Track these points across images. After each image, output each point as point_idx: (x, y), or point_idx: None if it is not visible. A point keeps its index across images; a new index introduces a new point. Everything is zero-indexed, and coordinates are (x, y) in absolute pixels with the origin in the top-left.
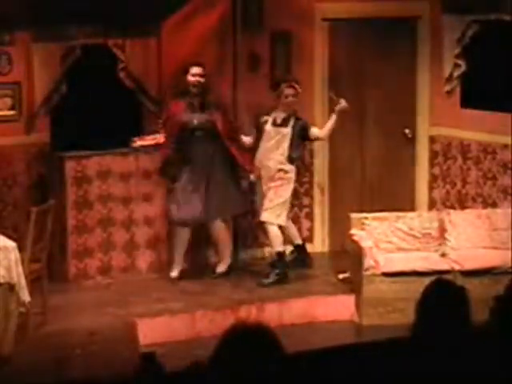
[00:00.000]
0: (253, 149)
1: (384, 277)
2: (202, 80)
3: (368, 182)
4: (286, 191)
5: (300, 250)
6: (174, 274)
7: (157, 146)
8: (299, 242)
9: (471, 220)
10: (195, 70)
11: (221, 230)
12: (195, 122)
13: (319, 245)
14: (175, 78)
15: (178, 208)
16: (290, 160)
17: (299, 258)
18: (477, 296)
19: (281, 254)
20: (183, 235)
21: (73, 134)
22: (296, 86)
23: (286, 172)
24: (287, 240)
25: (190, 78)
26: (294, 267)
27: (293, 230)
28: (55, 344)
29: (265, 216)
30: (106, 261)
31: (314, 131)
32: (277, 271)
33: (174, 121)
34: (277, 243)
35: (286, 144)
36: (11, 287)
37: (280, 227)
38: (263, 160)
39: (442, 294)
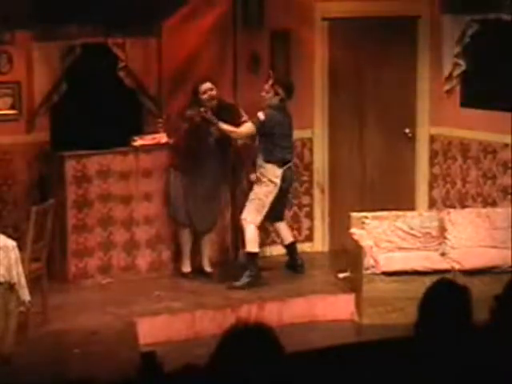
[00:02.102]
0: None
1: (384, 276)
2: (214, 93)
3: (368, 181)
4: (260, 190)
5: (290, 252)
6: (186, 269)
7: (157, 146)
8: (287, 242)
9: (471, 219)
10: (205, 86)
11: (209, 235)
12: (210, 135)
13: (319, 244)
14: (177, 78)
15: (198, 219)
16: (264, 159)
17: (289, 261)
18: (477, 295)
19: (252, 255)
20: (187, 233)
21: (73, 133)
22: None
23: (261, 171)
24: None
25: (203, 96)
26: (286, 270)
27: (284, 231)
28: (55, 344)
29: (243, 213)
30: (106, 260)
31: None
32: (247, 273)
33: (198, 132)
34: (249, 243)
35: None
36: (11, 286)
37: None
38: None
39: (445, 293)
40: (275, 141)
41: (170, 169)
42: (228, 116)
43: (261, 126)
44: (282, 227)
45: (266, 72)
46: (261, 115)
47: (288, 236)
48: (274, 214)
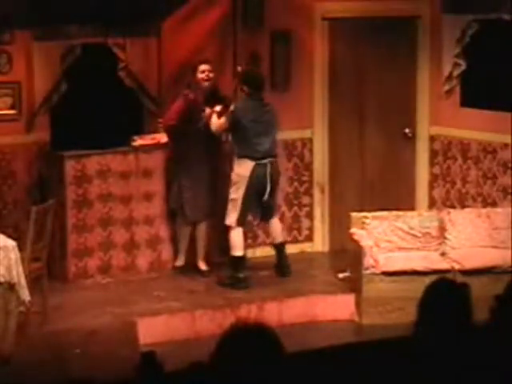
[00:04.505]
0: None
1: (384, 276)
2: (211, 75)
3: (368, 181)
4: (231, 189)
5: (278, 252)
6: (179, 262)
7: (157, 146)
8: (277, 241)
9: (471, 219)
10: (203, 67)
11: (205, 228)
12: (201, 119)
13: (319, 244)
14: (177, 78)
15: (190, 207)
16: (236, 155)
17: (276, 262)
18: (477, 295)
19: (236, 259)
20: (187, 228)
21: (73, 133)
22: None
23: (233, 168)
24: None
25: (200, 75)
26: (275, 273)
27: (276, 230)
28: (55, 344)
29: (225, 219)
30: (106, 260)
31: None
32: (229, 274)
33: (191, 111)
34: (233, 247)
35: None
36: (11, 286)
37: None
38: None
39: (445, 293)
40: (247, 136)
41: (170, 163)
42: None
43: (231, 118)
44: (275, 226)
45: (265, 72)
46: (231, 107)
47: (279, 235)
48: (264, 212)
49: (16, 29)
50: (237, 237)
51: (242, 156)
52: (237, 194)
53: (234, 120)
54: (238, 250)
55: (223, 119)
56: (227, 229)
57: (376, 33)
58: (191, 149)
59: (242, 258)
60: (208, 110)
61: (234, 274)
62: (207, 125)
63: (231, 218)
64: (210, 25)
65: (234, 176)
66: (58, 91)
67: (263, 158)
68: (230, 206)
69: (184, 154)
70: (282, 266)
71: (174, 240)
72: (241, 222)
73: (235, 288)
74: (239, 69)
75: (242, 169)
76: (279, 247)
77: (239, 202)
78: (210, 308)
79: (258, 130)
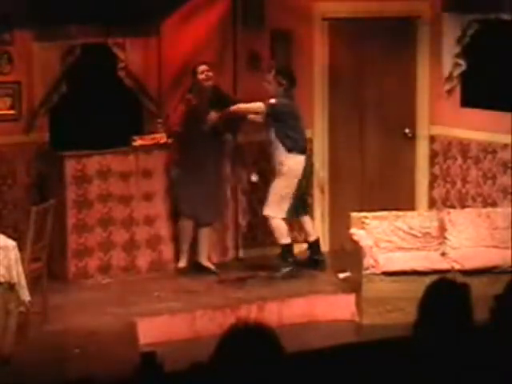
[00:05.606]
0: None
1: (384, 276)
2: (210, 74)
3: (368, 181)
4: (278, 184)
5: (312, 248)
6: (182, 264)
7: (157, 145)
8: (311, 239)
9: (471, 219)
10: (202, 67)
11: (210, 230)
12: (205, 121)
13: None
14: (177, 78)
15: (202, 211)
16: (287, 148)
17: (311, 257)
18: (477, 295)
19: (286, 246)
20: (189, 228)
21: (73, 133)
22: None
23: (282, 162)
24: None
25: (200, 76)
26: (306, 267)
27: (307, 227)
28: (55, 344)
29: (264, 210)
30: (106, 260)
31: None
32: (286, 263)
33: (195, 115)
34: (278, 236)
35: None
36: (11, 286)
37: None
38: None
39: (445, 293)
40: (293, 130)
41: (172, 167)
42: (223, 106)
43: (272, 111)
44: (308, 222)
45: (265, 71)
46: (271, 100)
47: (313, 232)
48: (300, 206)
49: (16, 29)
50: (282, 225)
51: (293, 149)
52: (287, 188)
53: (278, 113)
54: (285, 238)
55: (255, 104)
56: (267, 220)
57: (376, 33)
58: (197, 152)
59: (291, 245)
60: (213, 113)
61: (288, 261)
62: (213, 127)
63: (280, 213)
64: (210, 25)
65: (285, 169)
66: (57, 91)
67: (306, 151)
68: (276, 198)
69: (190, 157)
70: (317, 260)
71: (175, 240)
72: (290, 213)
73: (291, 276)
74: (273, 62)
75: (296, 163)
76: (315, 243)
77: (288, 196)
78: (210, 308)
79: (299, 123)
